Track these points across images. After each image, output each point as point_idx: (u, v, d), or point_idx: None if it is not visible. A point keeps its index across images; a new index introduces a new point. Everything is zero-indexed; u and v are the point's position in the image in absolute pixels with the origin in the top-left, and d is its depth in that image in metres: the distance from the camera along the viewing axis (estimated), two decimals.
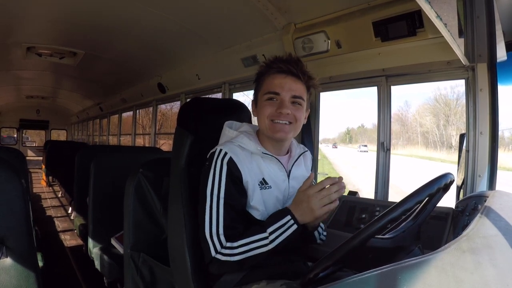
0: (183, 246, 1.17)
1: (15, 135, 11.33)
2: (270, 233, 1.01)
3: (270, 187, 1.12)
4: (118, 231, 2.02)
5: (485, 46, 1.48)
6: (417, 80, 1.91)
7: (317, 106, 2.29)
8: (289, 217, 1.02)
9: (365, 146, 15.38)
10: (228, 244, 1.02)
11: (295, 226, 1.01)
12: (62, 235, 3.96)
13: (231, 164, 1.06)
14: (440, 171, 1.02)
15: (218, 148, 1.09)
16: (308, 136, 2.22)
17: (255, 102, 1.16)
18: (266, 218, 1.10)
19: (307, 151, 1.27)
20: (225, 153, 1.07)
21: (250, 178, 1.08)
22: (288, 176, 1.16)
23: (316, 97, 2.28)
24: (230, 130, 1.17)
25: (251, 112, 1.20)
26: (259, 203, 1.09)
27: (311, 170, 1.29)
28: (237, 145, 1.10)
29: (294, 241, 1.04)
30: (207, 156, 1.12)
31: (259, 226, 1.04)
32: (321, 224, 1.25)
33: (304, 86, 1.10)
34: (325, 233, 1.29)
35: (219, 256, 1.02)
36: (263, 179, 1.11)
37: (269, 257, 1.08)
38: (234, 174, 1.06)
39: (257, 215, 1.10)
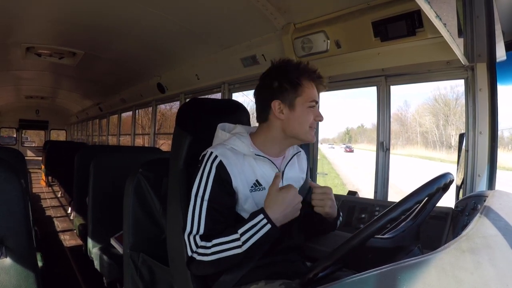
0: (182, 246, 1.17)
1: (15, 135, 11.33)
2: (241, 234, 0.99)
3: (264, 188, 1.11)
4: (117, 231, 2.02)
5: (484, 46, 1.48)
6: (417, 80, 1.92)
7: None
8: (261, 216, 0.99)
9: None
10: (203, 243, 1.02)
11: (268, 226, 0.98)
12: (62, 235, 3.96)
13: (221, 167, 1.06)
14: (439, 171, 1.02)
15: (209, 150, 1.09)
16: None
17: (287, 104, 1.10)
18: None
19: (300, 151, 1.27)
20: (216, 156, 1.06)
21: (240, 183, 1.08)
22: (282, 177, 1.15)
23: None
24: (222, 133, 1.16)
25: (273, 114, 1.11)
26: (252, 207, 1.08)
27: (307, 171, 1.29)
28: (229, 147, 1.09)
29: (271, 243, 1.02)
30: (199, 158, 1.11)
31: (233, 226, 1.02)
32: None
33: None
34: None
35: (195, 256, 1.03)
36: (257, 180, 1.11)
37: (269, 257, 1.08)
38: (222, 178, 1.06)
39: None
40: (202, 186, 1.06)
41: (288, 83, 1.09)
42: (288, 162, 1.18)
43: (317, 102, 1.12)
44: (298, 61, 1.14)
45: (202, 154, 1.11)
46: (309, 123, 1.11)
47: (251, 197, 1.09)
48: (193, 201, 1.06)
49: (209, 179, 1.06)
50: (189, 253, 1.04)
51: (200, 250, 1.02)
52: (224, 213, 1.06)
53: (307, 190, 1.27)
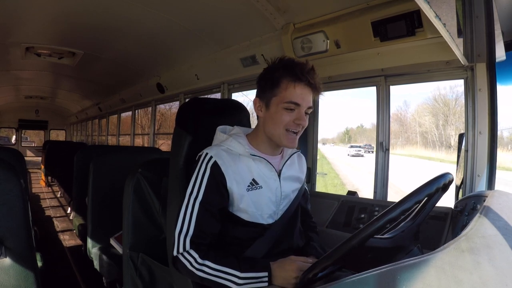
0: None
1: (14, 135, 11.31)
2: (244, 278, 1.02)
3: (261, 187, 1.12)
4: (117, 231, 2.02)
5: (484, 46, 1.48)
6: (416, 80, 1.91)
7: (317, 106, 2.29)
8: (266, 273, 1.03)
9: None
10: (197, 256, 1.03)
11: (265, 284, 1.02)
12: (61, 235, 3.96)
13: (215, 168, 1.07)
14: (439, 171, 1.02)
15: (204, 151, 1.11)
16: (304, 136, 2.21)
17: (264, 103, 1.11)
18: (256, 220, 1.11)
19: (298, 151, 1.27)
20: (210, 157, 1.09)
21: (235, 183, 1.09)
22: (279, 176, 1.16)
23: (316, 98, 2.27)
24: (221, 134, 1.18)
25: (256, 112, 1.15)
26: (248, 206, 1.10)
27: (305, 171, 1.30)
28: (224, 148, 1.11)
29: None
30: (196, 159, 1.13)
31: (238, 261, 1.03)
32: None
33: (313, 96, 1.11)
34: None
35: (180, 257, 1.04)
36: (253, 179, 1.12)
37: (270, 258, 1.09)
38: (217, 179, 1.07)
39: (246, 217, 1.11)
40: (196, 187, 1.08)
41: (268, 81, 1.09)
42: (286, 162, 1.19)
43: (297, 104, 1.06)
44: (298, 60, 1.09)
45: (198, 155, 1.13)
46: (285, 125, 1.07)
47: (247, 196, 1.10)
48: (186, 201, 1.08)
49: (203, 179, 1.08)
50: (174, 253, 1.05)
51: (189, 257, 1.04)
52: (215, 214, 1.08)
53: (303, 191, 1.28)
